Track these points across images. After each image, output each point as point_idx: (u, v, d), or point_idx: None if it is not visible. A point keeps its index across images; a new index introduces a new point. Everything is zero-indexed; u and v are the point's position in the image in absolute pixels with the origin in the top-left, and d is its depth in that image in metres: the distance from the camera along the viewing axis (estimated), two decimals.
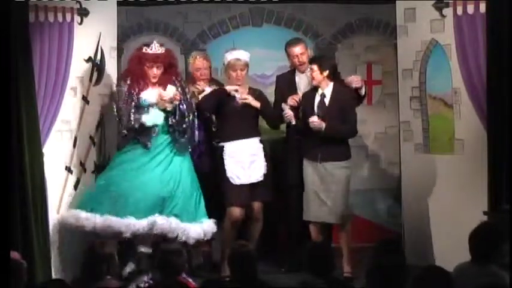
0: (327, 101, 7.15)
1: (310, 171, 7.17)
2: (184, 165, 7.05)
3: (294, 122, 7.27)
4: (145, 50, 7.01)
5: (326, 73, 7.14)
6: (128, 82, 6.97)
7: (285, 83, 7.57)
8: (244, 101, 7.27)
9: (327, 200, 7.09)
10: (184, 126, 6.99)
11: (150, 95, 6.96)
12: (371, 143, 8.43)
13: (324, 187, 7.11)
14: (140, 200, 6.81)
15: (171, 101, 6.92)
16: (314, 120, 7.05)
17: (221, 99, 7.30)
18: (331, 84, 7.18)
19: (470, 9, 6.98)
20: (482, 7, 6.80)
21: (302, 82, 7.47)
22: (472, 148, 7.06)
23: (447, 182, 7.32)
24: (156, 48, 7.02)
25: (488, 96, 6.71)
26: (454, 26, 7.14)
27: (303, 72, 7.46)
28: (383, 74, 8.46)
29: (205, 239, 7.00)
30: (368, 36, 8.50)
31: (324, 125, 7.03)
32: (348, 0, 8.45)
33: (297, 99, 7.33)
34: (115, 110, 7.02)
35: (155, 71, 6.99)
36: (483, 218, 6.40)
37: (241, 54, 7.36)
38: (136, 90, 6.95)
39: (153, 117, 6.95)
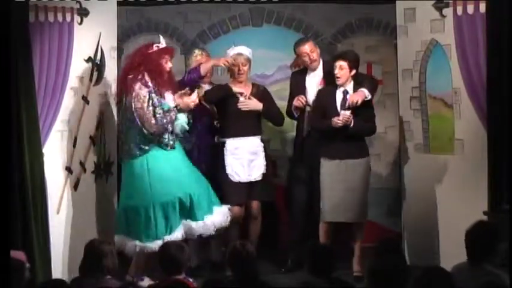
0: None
1: (328, 169, 7.12)
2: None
3: (296, 115, 7.41)
4: (158, 46, 6.99)
5: (354, 72, 7.13)
6: (150, 84, 6.85)
7: (296, 81, 7.58)
8: (245, 108, 7.27)
9: (346, 198, 7.06)
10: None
11: (169, 99, 6.93)
12: (371, 143, 8.42)
13: (344, 186, 7.07)
14: (205, 196, 6.93)
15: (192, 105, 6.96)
16: (347, 114, 7.00)
17: (226, 95, 7.32)
18: (352, 82, 7.17)
19: (470, 9, 6.98)
20: (482, 7, 6.80)
21: (310, 82, 7.46)
22: (472, 148, 7.06)
23: (447, 182, 7.31)
24: (165, 43, 7.08)
25: (488, 96, 6.71)
26: (454, 26, 7.14)
27: (314, 70, 7.47)
28: (383, 74, 8.44)
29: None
30: (368, 36, 8.48)
31: (353, 121, 7.04)
32: (348, 0, 8.45)
33: (303, 101, 7.34)
34: (135, 114, 6.81)
35: (170, 65, 7.00)
36: (483, 218, 6.40)
37: (243, 49, 7.40)
38: (159, 93, 6.87)
39: (181, 121, 6.95)
